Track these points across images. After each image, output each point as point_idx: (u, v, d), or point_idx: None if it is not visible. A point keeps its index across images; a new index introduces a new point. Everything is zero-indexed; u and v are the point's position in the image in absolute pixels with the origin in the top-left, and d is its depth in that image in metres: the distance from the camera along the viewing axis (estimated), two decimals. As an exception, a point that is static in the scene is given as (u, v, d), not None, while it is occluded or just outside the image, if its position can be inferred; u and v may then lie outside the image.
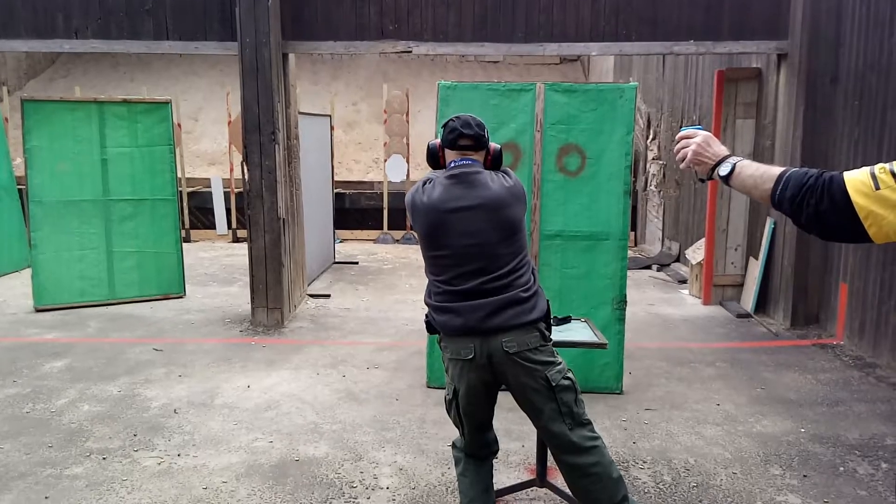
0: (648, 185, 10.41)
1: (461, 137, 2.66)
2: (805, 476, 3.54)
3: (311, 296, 7.23)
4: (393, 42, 6.09)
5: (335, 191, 11.18)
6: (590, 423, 2.64)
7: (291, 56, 6.34)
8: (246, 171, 5.94)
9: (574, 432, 2.58)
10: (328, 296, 7.30)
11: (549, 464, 3.25)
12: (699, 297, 7.24)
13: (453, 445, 2.88)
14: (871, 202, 1.56)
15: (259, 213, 5.97)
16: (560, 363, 2.62)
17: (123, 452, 3.75)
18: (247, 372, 5.06)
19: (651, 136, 10.34)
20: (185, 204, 11.02)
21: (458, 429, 2.78)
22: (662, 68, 9.77)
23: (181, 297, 7.19)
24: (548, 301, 2.69)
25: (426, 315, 2.74)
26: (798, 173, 1.72)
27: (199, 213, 11.53)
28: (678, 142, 2.07)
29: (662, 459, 3.72)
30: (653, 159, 10.18)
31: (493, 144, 2.77)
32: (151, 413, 4.30)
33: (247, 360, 5.32)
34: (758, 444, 3.92)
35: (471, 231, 2.58)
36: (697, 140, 1.98)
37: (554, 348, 2.69)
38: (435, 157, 2.77)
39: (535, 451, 3.31)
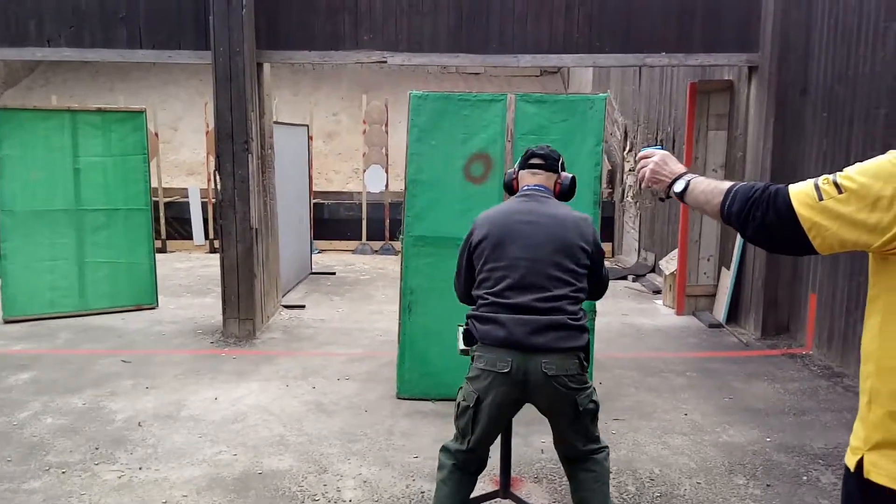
0: (625, 196, 10.47)
1: (533, 156, 2.89)
2: (768, 485, 3.55)
3: (286, 306, 7.19)
4: (368, 52, 6.09)
5: (314, 201, 11.18)
6: (598, 436, 2.75)
7: (266, 65, 6.33)
8: (218, 180, 5.91)
9: (585, 447, 2.70)
10: (303, 306, 7.26)
11: (513, 474, 3.24)
12: (673, 308, 7.27)
13: (444, 449, 2.79)
14: (814, 213, 1.56)
15: (231, 223, 5.94)
16: (590, 387, 2.67)
17: (84, 466, 3.69)
18: (215, 384, 5.01)
19: (628, 148, 10.41)
20: (161, 214, 10.94)
21: (461, 437, 2.71)
22: (639, 81, 9.85)
23: (153, 308, 7.12)
24: (588, 336, 2.69)
25: (466, 323, 2.76)
26: (745, 187, 1.74)
27: (176, 223, 11.45)
28: (638, 161, 2.11)
29: (628, 469, 3.72)
30: (629, 171, 10.25)
31: (566, 174, 2.91)
32: (115, 426, 4.24)
33: (216, 371, 5.27)
34: (723, 453, 3.93)
35: (533, 244, 2.65)
36: (654, 159, 2.04)
37: (587, 374, 2.70)
38: (510, 185, 2.97)
39: (500, 463, 3.29)
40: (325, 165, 13.53)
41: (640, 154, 2.10)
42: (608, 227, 10.83)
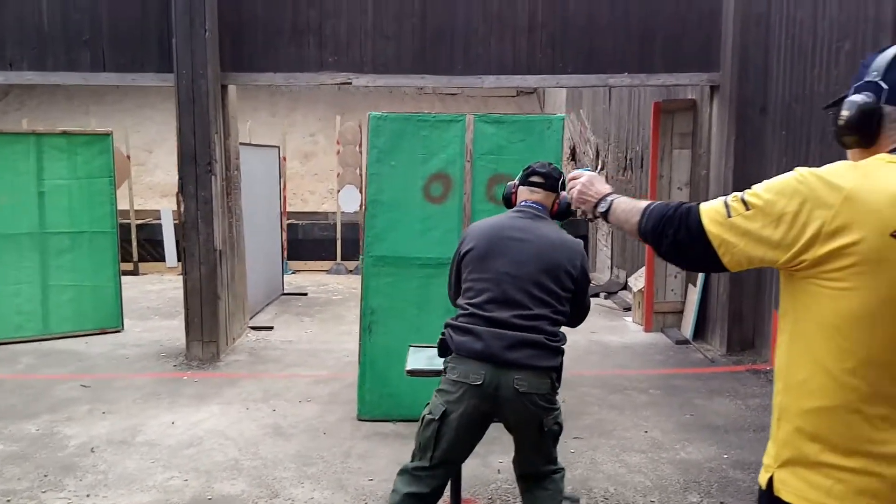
0: (599, 214, 10.53)
1: (533, 174, 2.87)
2: (722, 503, 3.54)
3: (254, 328, 7.13)
4: (333, 74, 6.11)
5: (288, 222, 11.17)
6: (556, 458, 2.78)
7: (232, 87, 6.33)
8: (181, 202, 5.88)
9: (545, 467, 2.73)
10: (271, 328, 7.21)
11: (468, 495, 3.22)
12: (642, 325, 7.29)
13: (401, 472, 2.72)
14: (723, 230, 1.57)
15: (195, 245, 5.90)
16: (558, 409, 2.68)
17: (30, 494, 3.62)
18: (174, 408, 4.94)
19: (599, 167, 10.49)
20: (133, 236, 10.87)
21: (422, 453, 2.66)
22: (609, 100, 9.96)
23: (118, 332, 7.03)
24: (563, 358, 2.71)
25: (442, 334, 2.75)
26: (660, 206, 1.76)
27: (149, 245, 11.37)
28: (568, 182, 2.16)
29: (583, 489, 3.70)
30: (602, 189, 10.30)
31: (566, 194, 2.87)
32: (67, 452, 4.17)
33: (176, 395, 5.20)
34: (680, 471, 3.93)
35: (519, 261, 2.66)
36: (582, 180, 2.08)
37: (557, 395, 2.71)
38: (508, 198, 2.98)
39: (450, 484, 3.26)
40: (300, 186, 13.53)
41: (570, 175, 2.15)
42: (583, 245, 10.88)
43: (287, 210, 11.37)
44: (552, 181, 2.86)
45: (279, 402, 5.06)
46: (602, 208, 1.95)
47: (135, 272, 10.77)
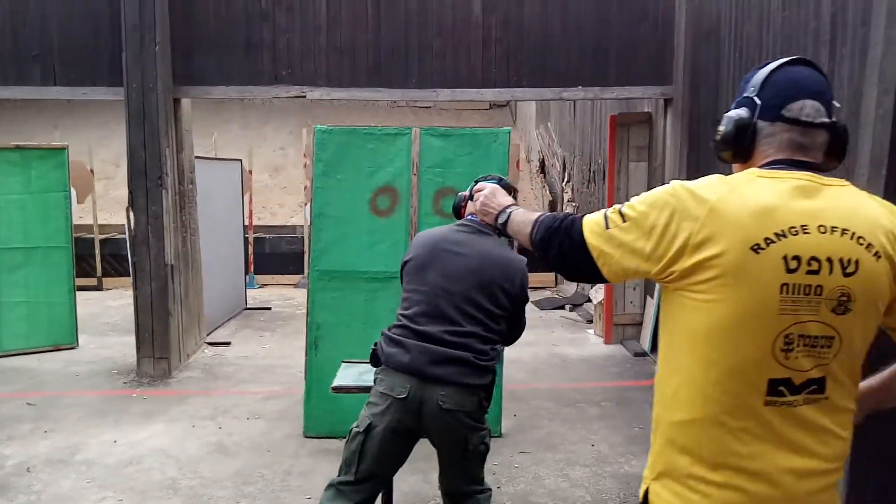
0: (566, 226, 10.57)
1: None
2: (658, 517, 3.52)
3: (210, 344, 7.05)
4: (287, 87, 6.10)
5: (255, 235, 11.09)
6: (483, 478, 2.74)
7: (186, 101, 6.30)
8: (131, 216, 5.82)
9: (469, 487, 2.69)
10: (228, 343, 7.13)
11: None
12: (602, 337, 7.30)
13: (328, 487, 2.65)
14: (601, 241, 1.58)
15: (145, 260, 5.84)
16: (485, 429, 2.64)
17: (-44, 516, 3.54)
18: (119, 426, 4.86)
19: (566, 179, 10.54)
20: (97, 251, 10.74)
21: (347, 468, 2.61)
22: (573, 113, 10.02)
23: (73, 348, 6.93)
24: (494, 377, 2.68)
25: (375, 344, 2.72)
26: (549, 217, 1.77)
27: (113, 259, 11.23)
28: (474, 193, 2.18)
29: (522, 504, 3.68)
30: (568, 201, 10.36)
31: None
32: (3, 472, 4.08)
33: (123, 412, 5.12)
34: (621, 484, 3.91)
35: (454, 275, 2.63)
36: (485, 192, 2.14)
37: (485, 415, 2.67)
38: (458, 209, 2.92)
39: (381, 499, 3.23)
40: (270, 199, 13.46)
41: (475, 188, 2.17)
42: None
43: (254, 224, 11.32)
44: None
45: (226, 420, 5.00)
46: (501, 220, 1.98)
47: (98, 287, 10.64)
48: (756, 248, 1.39)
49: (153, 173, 5.78)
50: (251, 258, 10.73)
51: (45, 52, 5.92)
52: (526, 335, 7.11)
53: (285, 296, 10.23)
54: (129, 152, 5.81)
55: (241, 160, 9.18)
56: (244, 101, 15.92)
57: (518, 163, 10.80)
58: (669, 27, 6.14)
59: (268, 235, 11.62)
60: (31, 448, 4.45)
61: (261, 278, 11.03)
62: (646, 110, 7.05)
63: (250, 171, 10.90)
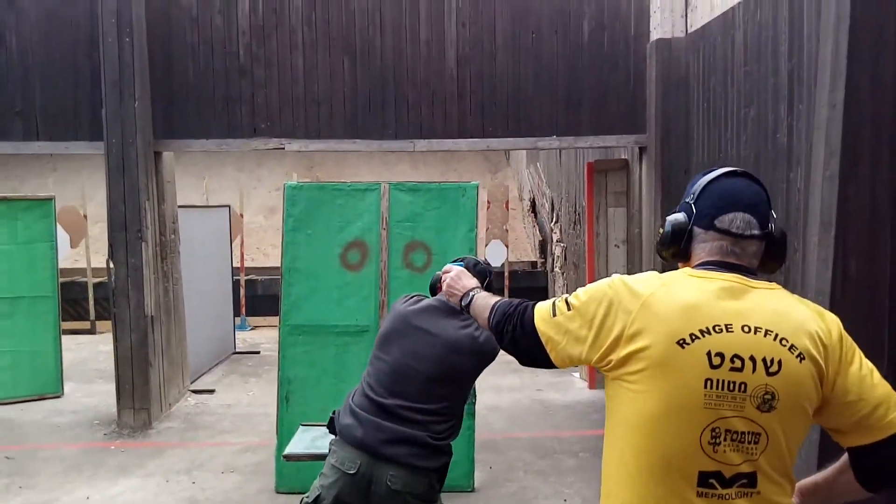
0: (554, 266, 10.62)
1: None
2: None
3: (195, 391, 7.08)
4: (265, 140, 6.22)
5: (247, 277, 11.17)
6: None
7: (167, 154, 6.42)
8: (112, 268, 5.90)
9: None
10: (212, 391, 7.16)
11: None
12: (587, 381, 7.29)
13: None
14: (549, 328, 1.66)
15: (125, 311, 5.91)
16: None
17: (-82, 581, 3.56)
18: (94, 481, 4.88)
19: (555, 219, 10.61)
20: (90, 295, 10.83)
21: None
22: (559, 156, 10.13)
23: (58, 397, 6.97)
24: (451, 457, 2.67)
25: (334, 412, 2.73)
26: (504, 304, 1.86)
27: (106, 303, 11.28)
28: (442, 275, 2.32)
29: (482, 565, 3.67)
30: (556, 241, 10.42)
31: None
32: (-31, 533, 4.10)
33: (99, 466, 5.14)
34: (584, 543, 3.91)
35: (419, 353, 2.64)
36: (451, 275, 2.24)
37: (438, 494, 2.66)
38: (434, 288, 2.80)
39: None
40: (264, 240, 13.56)
41: (443, 269, 2.29)
42: (541, 297, 10.92)
43: (247, 266, 11.40)
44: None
45: (201, 474, 5.01)
46: (465, 302, 2.09)
47: (92, 331, 10.71)
48: (682, 343, 1.46)
49: (133, 226, 5.88)
50: (243, 300, 10.79)
51: (28, 108, 6.07)
52: (510, 379, 7.13)
53: (276, 338, 10.25)
54: (108, 206, 5.92)
55: (229, 206, 9.29)
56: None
57: (507, 203, 10.89)
58: (640, 78, 6.25)
59: (260, 277, 11.69)
60: (2, 506, 4.48)
61: (253, 320, 11.07)
62: (623, 157, 7.14)
63: (241, 215, 11.02)
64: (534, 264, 12.16)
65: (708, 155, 5.77)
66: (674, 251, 1.65)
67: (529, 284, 11.37)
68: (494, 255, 10.48)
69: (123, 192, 5.86)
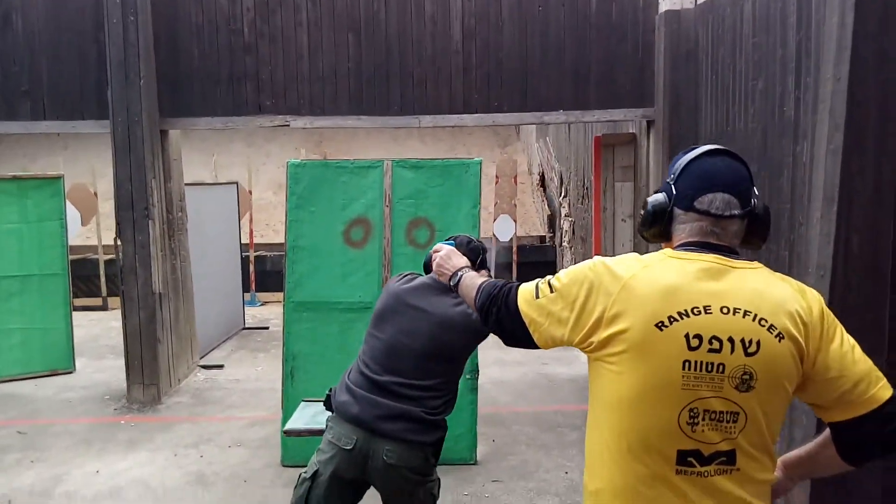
0: (562, 240, 10.59)
1: None
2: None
3: (204, 367, 7.17)
4: (270, 117, 6.21)
5: (256, 253, 11.22)
6: None
7: (173, 132, 6.43)
8: (120, 246, 5.95)
9: None
10: (221, 366, 7.24)
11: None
12: (592, 357, 7.30)
13: None
14: (532, 310, 1.68)
15: (133, 289, 5.97)
16: (432, 481, 2.67)
17: (-67, 552, 3.65)
18: (103, 455, 4.97)
19: (563, 194, 10.56)
20: (102, 272, 10.94)
21: None
22: (568, 130, 10.05)
23: (70, 373, 7.08)
24: (445, 431, 2.69)
25: (330, 389, 2.76)
26: (489, 284, 1.88)
27: (117, 281, 11.40)
28: (432, 254, 2.34)
29: (483, 538, 3.72)
30: (565, 216, 10.38)
31: (484, 272, 2.63)
32: (-17, 505, 4.20)
33: (108, 441, 5.23)
34: (585, 517, 3.94)
35: (412, 331, 2.65)
36: (441, 254, 2.25)
37: (433, 468, 2.69)
38: (427, 265, 2.79)
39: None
40: (273, 217, 13.60)
41: (433, 249, 2.31)
42: (550, 272, 10.92)
43: (256, 242, 11.45)
44: (470, 258, 2.62)
45: (209, 448, 5.09)
46: (453, 282, 2.10)
47: (104, 307, 10.83)
48: (660, 326, 1.48)
49: (139, 204, 5.91)
50: (252, 276, 10.86)
51: (35, 88, 6.08)
52: (515, 354, 7.12)
53: (285, 314, 10.32)
54: (115, 184, 5.95)
55: (237, 183, 9.32)
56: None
57: (515, 178, 10.84)
58: (649, 50, 6.16)
59: (269, 253, 11.75)
60: (15, 479, 4.57)
61: (263, 296, 11.15)
62: (630, 131, 7.08)
63: (250, 192, 11.05)
64: (542, 238, 12.13)
65: (716, 128, 5.70)
66: (654, 232, 1.65)
67: (538, 259, 11.35)
68: (503, 230, 10.45)
69: (130, 170, 5.89)
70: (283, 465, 4.72)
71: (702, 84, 5.97)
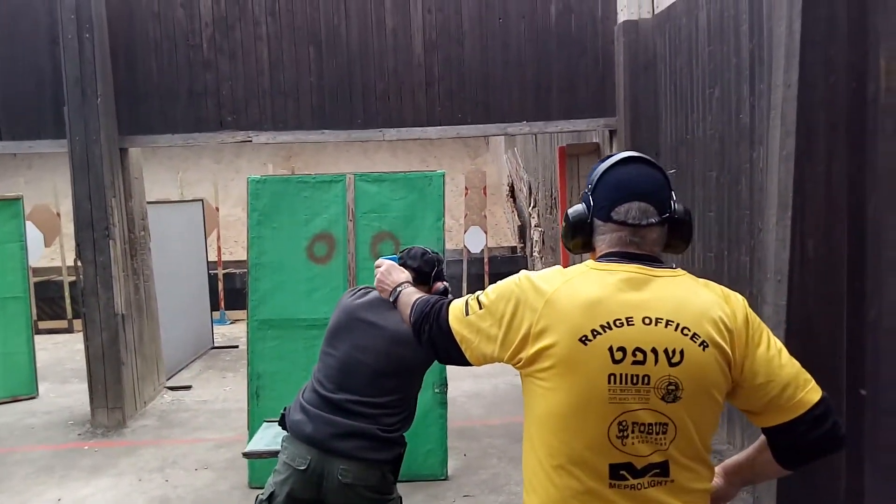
0: (533, 250, 10.63)
1: (405, 266, 2.59)
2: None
3: (170, 388, 7.05)
4: (232, 133, 6.16)
5: (225, 271, 11.09)
6: None
7: (134, 150, 6.34)
8: (79, 267, 5.84)
9: None
10: (189, 387, 7.12)
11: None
12: (563, 366, 7.32)
13: None
14: (462, 327, 1.67)
15: (95, 310, 5.85)
16: (392, 499, 2.61)
17: None
18: (65, 482, 4.85)
19: (532, 204, 10.61)
20: (66, 294, 10.73)
21: None
22: (535, 141, 10.11)
23: (33, 398, 6.91)
24: (404, 447, 2.63)
25: (285, 408, 2.70)
26: (422, 301, 1.86)
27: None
28: (375, 268, 2.29)
29: (451, 554, 3.68)
30: (535, 226, 10.42)
31: (440, 285, 2.68)
32: (-63, 539, 4.07)
33: (71, 468, 5.11)
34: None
35: (365, 347, 2.60)
36: (381, 269, 2.23)
37: (393, 486, 2.63)
38: None
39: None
40: (242, 233, 13.34)
41: (376, 263, 2.28)
42: (521, 283, 10.93)
43: (225, 260, 11.33)
44: (423, 276, 2.61)
45: (174, 471, 4.99)
46: (391, 297, 2.08)
47: (69, 329, 10.62)
48: (584, 340, 1.47)
49: (100, 224, 5.81)
50: (221, 294, 10.73)
51: (-10, 107, 5.97)
52: (489, 367, 7.15)
53: (255, 332, 10.20)
54: (74, 204, 5.85)
55: (202, 200, 9.21)
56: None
57: (485, 189, 10.88)
58: (609, 60, 6.23)
59: (238, 271, 11.60)
60: (-29, 511, 4.44)
61: (232, 314, 11.00)
62: (594, 141, 7.13)
63: (217, 208, 10.94)
64: (514, 249, 12.16)
65: (676, 136, 5.77)
66: (577, 243, 1.65)
67: (510, 269, 11.30)
68: (474, 241, 10.47)
69: (89, 190, 5.79)
70: (251, 487, 4.64)
71: (661, 93, 6.04)
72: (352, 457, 2.51)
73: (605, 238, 1.59)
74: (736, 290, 1.62)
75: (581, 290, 1.51)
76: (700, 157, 5.32)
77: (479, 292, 1.70)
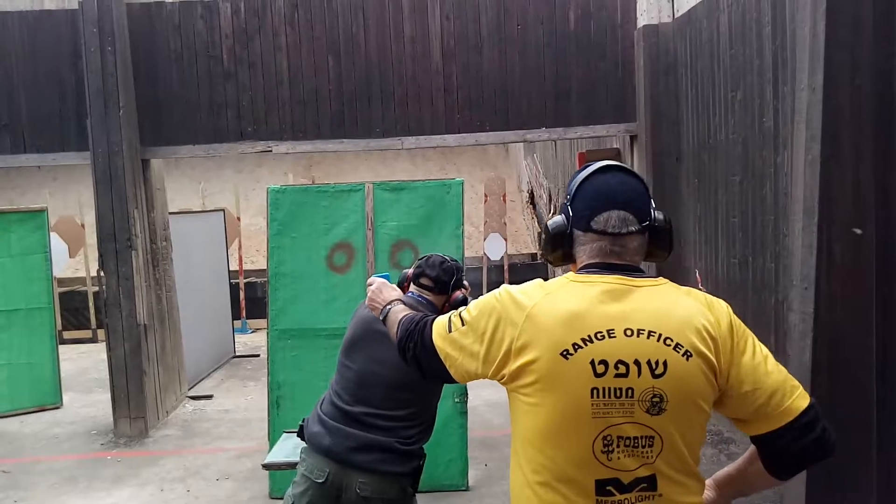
0: (554, 258, 10.58)
1: (423, 276, 2.63)
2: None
3: (192, 397, 7.07)
4: (252, 143, 6.19)
5: (246, 280, 11.16)
6: None
7: (156, 161, 6.40)
8: (102, 278, 5.89)
9: None
10: (210, 396, 7.15)
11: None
12: (585, 374, 7.24)
13: None
14: (446, 344, 1.65)
15: (117, 321, 5.90)
16: None
17: None
18: (88, 492, 4.88)
19: (552, 211, 10.54)
20: (90, 304, 10.86)
21: None
22: (555, 147, 10.06)
23: (57, 408, 6.98)
24: (423, 459, 2.60)
25: (303, 419, 2.69)
26: (407, 318, 1.84)
27: (108, 311, 11.34)
28: (367, 286, 2.27)
29: (473, 567, 3.63)
30: (555, 233, 10.36)
31: (459, 293, 2.65)
32: (-37, 549, 4.10)
33: (94, 478, 5.14)
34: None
35: (382, 359, 2.57)
36: (372, 287, 2.19)
37: (412, 498, 2.61)
38: (401, 287, 2.67)
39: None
40: (263, 243, 13.51)
41: (367, 281, 2.25)
42: (542, 290, 10.88)
43: (246, 269, 11.40)
44: (441, 285, 2.60)
45: (196, 482, 5.00)
46: (381, 315, 2.05)
47: (94, 339, 10.74)
48: (565, 354, 1.43)
49: (122, 235, 5.86)
50: (242, 303, 10.79)
51: (15, 121, 6.06)
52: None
53: (276, 340, 10.24)
54: (97, 216, 5.91)
55: (223, 210, 9.28)
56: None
57: (504, 196, 10.83)
58: (629, 65, 6.17)
59: (260, 280, 11.69)
60: (-3, 521, 4.48)
61: (254, 323, 11.06)
62: (614, 146, 7.07)
63: (238, 218, 11.02)
64: (534, 256, 12.11)
65: (698, 140, 5.69)
66: (558, 255, 1.61)
67: (530, 276, 11.28)
68: (493, 248, 10.43)
69: (111, 201, 5.85)
70: (272, 498, 4.63)
71: (682, 97, 5.98)
72: (370, 470, 2.48)
73: (585, 248, 1.55)
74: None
75: (561, 303, 1.47)
76: (723, 162, 5.25)
77: (461, 308, 1.69)
